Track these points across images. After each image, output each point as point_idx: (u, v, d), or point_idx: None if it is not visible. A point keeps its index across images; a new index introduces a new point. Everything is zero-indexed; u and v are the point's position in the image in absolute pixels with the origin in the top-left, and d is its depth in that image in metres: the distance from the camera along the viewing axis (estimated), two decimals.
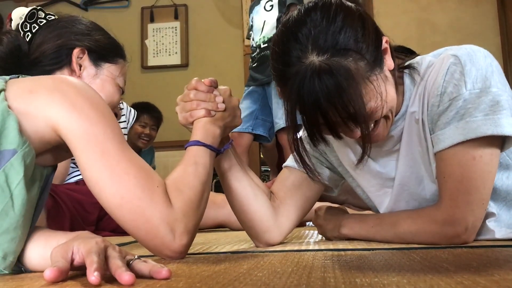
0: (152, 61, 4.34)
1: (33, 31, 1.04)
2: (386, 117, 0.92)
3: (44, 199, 0.84)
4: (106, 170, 0.78)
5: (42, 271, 0.61)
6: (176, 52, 4.33)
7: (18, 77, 0.85)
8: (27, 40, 1.03)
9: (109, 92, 1.10)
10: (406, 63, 1.00)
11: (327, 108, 0.82)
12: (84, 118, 0.77)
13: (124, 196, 0.78)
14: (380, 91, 0.86)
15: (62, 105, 0.77)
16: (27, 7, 1.11)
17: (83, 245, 0.65)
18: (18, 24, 1.04)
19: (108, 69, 1.11)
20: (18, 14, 1.05)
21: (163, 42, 4.36)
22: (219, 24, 4.33)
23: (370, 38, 0.86)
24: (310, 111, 0.84)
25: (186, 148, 0.94)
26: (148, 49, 4.35)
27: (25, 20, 1.04)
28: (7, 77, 0.82)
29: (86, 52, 1.08)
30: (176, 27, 4.36)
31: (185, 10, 4.38)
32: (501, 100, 0.87)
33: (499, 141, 0.90)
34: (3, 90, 0.76)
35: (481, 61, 0.89)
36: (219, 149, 0.98)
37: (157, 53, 4.35)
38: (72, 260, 0.64)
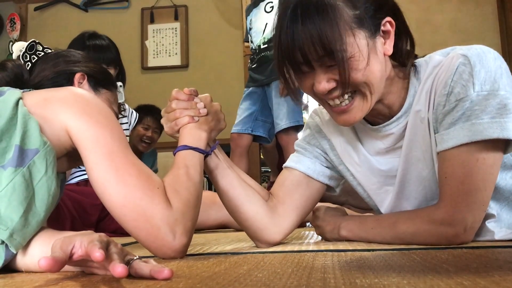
0: (152, 62, 4.34)
1: (33, 61, 1.11)
2: (363, 95, 0.93)
3: (57, 202, 0.88)
4: (111, 170, 0.83)
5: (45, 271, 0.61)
6: (176, 53, 4.33)
7: (30, 90, 0.93)
8: (28, 69, 1.10)
9: None
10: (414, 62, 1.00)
11: (304, 36, 0.87)
12: (93, 121, 0.84)
13: (127, 195, 0.83)
14: (362, 50, 0.89)
15: (74, 109, 0.85)
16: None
17: (86, 238, 0.65)
18: (18, 56, 1.11)
19: (105, 95, 1.19)
20: (18, 47, 1.13)
21: (163, 43, 4.35)
22: (219, 25, 4.32)
23: (370, 1, 0.90)
24: (288, 40, 0.88)
25: (175, 154, 0.98)
26: (148, 50, 4.34)
27: (25, 51, 1.11)
28: (21, 90, 0.90)
29: (86, 77, 1.15)
30: (176, 28, 4.36)
31: (185, 11, 4.38)
32: (509, 104, 0.86)
33: (503, 144, 0.89)
34: (21, 98, 0.84)
35: (490, 62, 0.88)
36: (206, 151, 1.00)
37: (157, 54, 4.35)
38: (72, 254, 0.64)
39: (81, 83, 1.14)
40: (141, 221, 0.82)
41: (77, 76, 1.14)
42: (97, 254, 0.58)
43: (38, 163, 0.78)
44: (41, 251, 0.77)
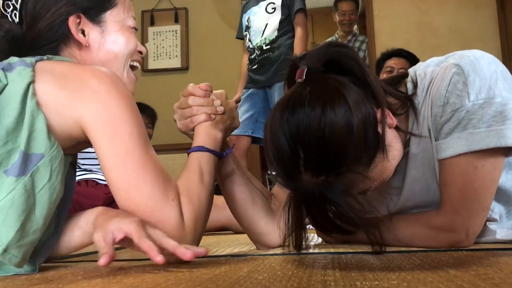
0: (152, 64, 4.34)
1: (17, 6, 0.92)
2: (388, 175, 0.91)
3: (72, 185, 0.88)
4: (126, 173, 0.79)
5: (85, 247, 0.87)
6: (176, 55, 4.34)
7: (43, 58, 0.83)
8: (17, 19, 0.92)
9: (123, 42, 0.98)
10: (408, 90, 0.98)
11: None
12: (112, 117, 0.78)
13: (140, 203, 0.79)
14: (383, 168, 0.84)
15: (91, 103, 0.78)
16: None
17: (125, 226, 0.73)
18: None
19: (111, 18, 0.97)
20: None
21: (164, 45, 4.36)
22: (219, 27, 4.33)
23: (364, 146, 0.76)
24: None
25: (189, 153, 0.93)
26: (148, 52, 4.35)
27: None
28: (34, 60, 0.81)
29: (83, 15, 0.94)
30: (176, 30, 4.37)
31: (185, 14, 4.38)
32: (505, 110, 0.85)
33: (503, 151, 0.89)
34: (32, 82, 0.76)
35: (485, 69, 0.87)
36: (222, 154, 0.98)
37: (158, 56, 4.35)
38: (114, 240, 0.73)
39: (78, 23, 0.93)
40: None
41: (71, 21, 0.92)
42: (158, 258, 0.68)
43: (42, 170, 0.74)
44: (77, 236, 0.86)
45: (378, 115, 0.81)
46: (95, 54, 0.94)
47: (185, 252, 0.68)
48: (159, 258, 0.66)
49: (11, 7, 0.91)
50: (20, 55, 0.86)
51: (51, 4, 0.91)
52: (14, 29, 0.90)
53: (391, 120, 0.87)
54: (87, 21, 0.94)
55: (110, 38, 0.96)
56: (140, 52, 1.04)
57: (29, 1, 0.91)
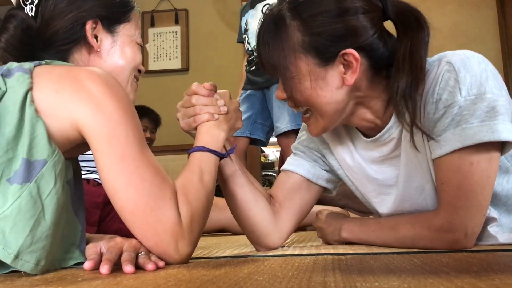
0: (152, 66, 4.34)
1: (35, 1, 0.94)
2: (315, 115, 0.97)
3: (80, 189, 0.89)
4: (123, 174, 0.79)
5: None
6: (176, 57, 4.34)
7: (42, 63, 0.85)
8: (33, 14, 0.93)
9: (130, 56, 1.01)
10: None
11: (260, 53, 0.96)
12: (108, 120, 0.78)
13: (138, 203, 0.79)
14: (302, 74, 0.92)
15: (87, 105, 0.78)
16: None
17: (106, 243, 0.83)
18: (17, 2, 0.95)
19: (124, 31, 1.01)
20: None
21: (164, 47, 4.36)
22: (220, 29, 4.33)
23: (328, 30, 0.90)
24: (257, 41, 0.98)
25: (190, 153, 0.93)
26: (148, 53, 4.35)
27: None
28: (32, 65, 0.82)
29: (99, 21, 0.97)
30: (176, 32, 4.37)
31: (185, 15, 4.39)
32: (497, 106, 0.86)
33: (497, 146, 0.89)
34: (30, 89, 0.77)
35: (475, 67, 0.89)
36: (223, 154, 0.98)
37: (158, 58, 4.36)
38: (102, 253, 0.81)
39: (94, 28, 0.97)
40: (149, 231, 0.80)
41: (88, 25, 0.96)
42: (103, 270, 0.74)
43: (47, 175, 0.74)
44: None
45: (349, 51, 0.90)
46: (103, 61, 0.97)
47: (147, 266, 0.77)
48: (103, 270, 0.73)
49: (29, 0, 0.94)
50: (32, 50, 0.91)
51: (73, 8, 0.95)
52: (29, 20, 0.92)
53: (350, 77, 0.92)
54: (102, 28, 0.98)
55: (120, 49, 1.00)
56: (139, 71, 1.08)
57: (50, 0, 0.93)
